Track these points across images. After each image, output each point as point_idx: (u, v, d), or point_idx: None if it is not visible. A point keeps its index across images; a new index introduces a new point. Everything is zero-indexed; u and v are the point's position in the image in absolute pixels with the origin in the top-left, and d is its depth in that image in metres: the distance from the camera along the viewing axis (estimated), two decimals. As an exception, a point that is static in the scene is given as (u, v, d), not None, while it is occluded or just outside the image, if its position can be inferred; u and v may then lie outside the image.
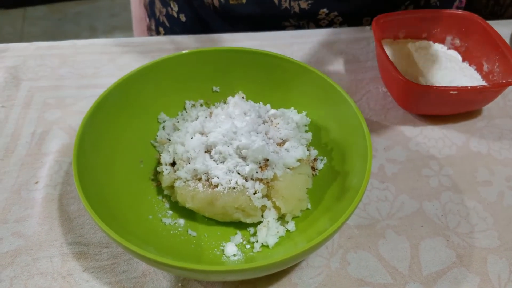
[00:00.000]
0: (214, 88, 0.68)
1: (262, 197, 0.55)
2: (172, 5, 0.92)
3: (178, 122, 0.65)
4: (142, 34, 1.07)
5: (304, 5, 0.82)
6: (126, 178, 0.58)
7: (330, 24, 0.88)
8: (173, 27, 0.95)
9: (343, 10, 0.84)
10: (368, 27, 0.86)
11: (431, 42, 0.78)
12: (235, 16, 0.87)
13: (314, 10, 0.82)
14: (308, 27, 0.88)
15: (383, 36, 0.77)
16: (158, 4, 0.96)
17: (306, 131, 0.64)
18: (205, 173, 0.55)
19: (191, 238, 0.55)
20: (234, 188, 0.54)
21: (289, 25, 0.87)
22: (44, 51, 0.81)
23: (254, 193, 0.54)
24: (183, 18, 0.91)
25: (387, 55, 0.68)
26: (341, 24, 0.88)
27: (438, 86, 0.66)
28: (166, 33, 0.98)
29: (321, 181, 0.60)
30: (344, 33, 0.85)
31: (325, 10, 0.80)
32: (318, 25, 0.87)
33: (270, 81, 0.66)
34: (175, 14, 0.92)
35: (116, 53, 0.81)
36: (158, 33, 1.00)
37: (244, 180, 0.54)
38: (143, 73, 0.62)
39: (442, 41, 0.78)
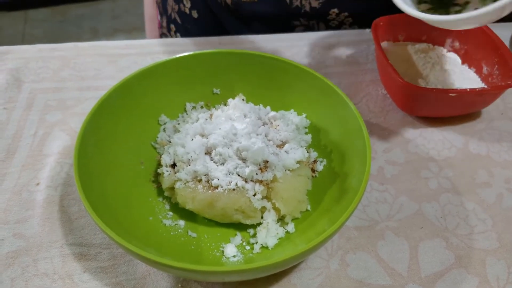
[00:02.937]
0: (215, 90, 0.68)
1: (262, 199, 0.55)
2: (184, 2, 0.93)
3: (178, 124, 0.65)
4: (153, 32, 1.08)
5: (315, 4, 0.82)
6: (126, 179, 0.59)
7: (339, 25, 0.88)
8: (185, 24, 0.96)
9: (354, 10, 0.85)
10: (368, 30, 0.87)
11: (430, 45, 0.78)
12: (247, 14, 0.87)
13: (325, 10, 0.82)
14: (318, 28, 0.89)
15: (383, 38, 0.77)
16: (170, 1, 0.97)
17: (305, 133, 0.64)
18: (205, 175, 0.55)
19: (191, 239, 0.56)
20: (234, 189, 0.54)
21: (299, 25, 0.87)
22: (46, 53, 0.81)
23: (254, 195, 0.55)
24: (195, 14, 0.92)
25: (386, 58, 0.68)
26: (350, 25, 0.88)
27: (438, 89, 0.66)
28: (178, 30, 0.99)
29: (320, 183, 0.60)
30: (344, 36, 0.86)
31: (335, 10, 0.80)
32: (328, 26, 0.88)
33: (270, 83, 0.66)
34: (187, 11, 0.93)
35: (117, 55, 0.81)
36: (169, 31, 1.01)
37: (244, 182, 0.55)
38: (144, 75, 0.62)
39: (441, 43, 0.78)
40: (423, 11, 0.57)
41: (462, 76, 0.72)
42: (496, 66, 0.70)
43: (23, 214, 0.59)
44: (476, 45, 0.74)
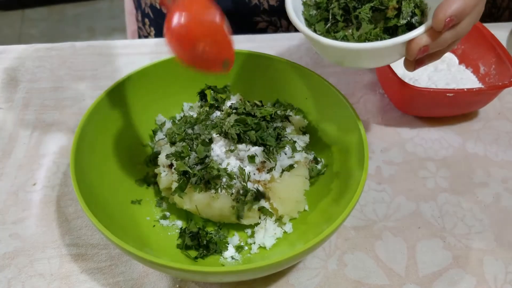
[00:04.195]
0: (212, 90, 0.68)
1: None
2: None
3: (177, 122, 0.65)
4: (133, 26, 1.08)
5: (272, 2, 0.83)
6: (123, 179, 0.59)
7: None
8: (157, 19, 0.97)
9: None
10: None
11: (428, 45, 0.78)
12: None
13: (283, 7, 0.83)
14: (280, 23, 0.89)
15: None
16: None
17: (303, 133, 0.64)
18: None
19: (188, 240, 0.55)
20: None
21: (261, 21, 0.88)
22: (43, 53, 0.81)
23: (252, 195, 0.54)
24: (164, 9, 0.92)
25: (384, 57, 0.68)
26: None
27: (435, 88, 0.66)
28: (151, 24, 0.99)
29: (318, 183, 0.60)
30: (342, 36, 0.86)
31: None
32: (290, 22, 0.89)
33: (267, 83, 0.66)
34: (157, 6, 0.93)
35: (114, 55, 0.81)
36: (144, 25, 1.02)
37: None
38: (141, 75, 0.62)
39: (439, 43, 0.78)
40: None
41: (459, 76, 0.72)
42: (493, 66, 0.70)
43: (20, 214, 0.59)
44: (473, 45, 0.74)
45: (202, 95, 0.63)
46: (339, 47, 0.47)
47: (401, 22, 0.50)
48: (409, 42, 0.46)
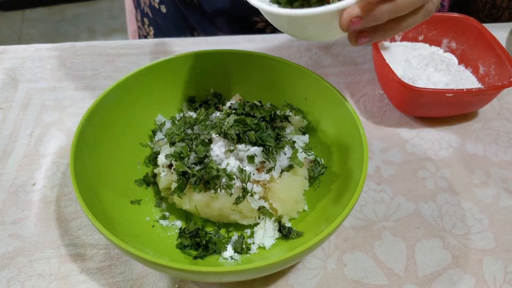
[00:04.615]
0: (212, 90, 0.68)
1: (259, 199, 0.55)
2: None
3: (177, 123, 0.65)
4: (133, 25, 1.09)
5: None
6: (123, 179, 0.58)
7: None
8: (156, 18, 0.97)
9: None
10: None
11: (427, 45, 0.78)
12: (210, 10, 0.88)
13: None
14: None
15: (380, 38, 0.77)
16: None
17: (303, 134, 0.64)
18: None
19: (188, 240, 0.55)
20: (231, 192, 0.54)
21: (260, 21, 0.88)
22: (43, 53, 0.81)
23: (251, 195, 0.54)
24: (163, 9, 0.93)
25: (383, 58, 0.68)
26: None
27: (434, 89, 0.66)
28: (150, 24, 1.00)
29: (317, 183, 0.60)
30: (341, 36, 0.86)
31: None
32: None
33: (267, 83, 0.66)
34: (156, 5, 0.94)
35: (114, 55, 0.81)
36: (143, 24, 1.02)
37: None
38: (141, 75, 0.62)
39: (438, 44, 0.78)
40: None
41: (458, 76, 0.72)
42: (493, 66, 0.70)
43: (19, 214, 0.59)
44: (473, 46, 0.74)
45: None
46: (274, 13, 0.46)
47: None
48: (342, 12, 0.43)
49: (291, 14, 0.45)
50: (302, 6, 0.51)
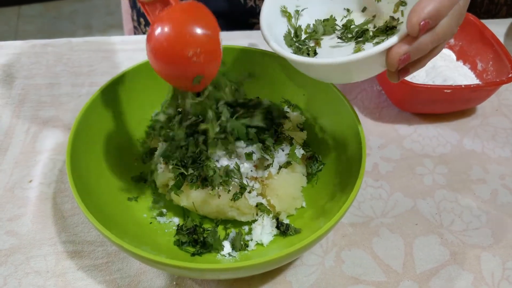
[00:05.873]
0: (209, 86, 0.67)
1: (257, 196, 0.55)
2: None
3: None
4: (129, 24, 1.08)
5: None
6: (120, 176, 0.58)
7: None
8: None
9: None
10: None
11: (425, 41, 0.78)
12: None
13: None
14: None
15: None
16: None
17: (301, 130, 0.64)
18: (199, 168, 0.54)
19: (185, 237, 0.55)
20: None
21: (257, 22, 0.88)
22: (39, 49, 0.80)
23: (249, 192, 0.54)
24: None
25: (382, 54, 0.68)
26: None
27: (432, 85, 0.66)
28: (147, 24, 0.99)
29: (315, 180, 0.60)
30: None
31: None
32: None
33: (265, 79, 0.66)
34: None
35: (111, 51, 0.81)
36: (139, 24, 1.01)
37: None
38: (138, 71, 0.61)
39: (436, 40, 0.78)
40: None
41: (457, 72, 0.72)
42: (491, 63, 0.70)
43: (16, 211, 0.58)
44: (471, 42, 0.74)
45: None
46: (311, 63, 0.46)
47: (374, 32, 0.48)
48: (388, 52, 0.43)
49: (336, 62, 0.44)
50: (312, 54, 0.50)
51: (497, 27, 0.79)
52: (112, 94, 0.59)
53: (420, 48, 0.43)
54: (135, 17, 1.02)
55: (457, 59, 0.76)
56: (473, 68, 0.73)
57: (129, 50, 0.81)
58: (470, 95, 0.67)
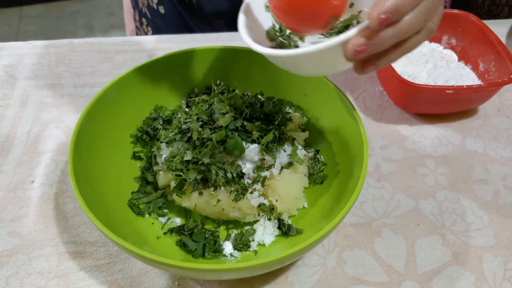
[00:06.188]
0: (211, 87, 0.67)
1: (259, 196, 0.55)
2: None
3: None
4: (131, 25, 1.08)
5: None
6: (122, 177, 0.58)
7: None
8: (154, 19, 0.97)
9: None
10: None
11: (427, 42, 0.78)
12: (208, 11, 0.88)
13: None
14: None
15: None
16: None
17: (302, 130, 0.64)
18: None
19: (187, 237, 0.55)
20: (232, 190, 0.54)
21: None
22: (41, 50, 0.80)
23: (251, 192, 0.54)
24: (162, 10, 0.92)
25: (383, 54, 0.68)
26: None
27: (434, 86, 0.66)
28: (148, 24, 0.99)
29: (317, 180, 0.60)
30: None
31: None
32: None
33: (266, 80, 0.66)
34: (154, 6, 0.93)
35: (113, 52, 0.81)
36: (141, 24, 1.02)
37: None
38: (140, 72, 0.62)
39: (438, 40, 0.78)
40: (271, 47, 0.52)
41: (458, 73, 0.72)
42: (493, 63, 0.70)
43: (18, 212, 0.58)
44: (473, 42, 0.74)
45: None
46: (276, 56, 0.46)
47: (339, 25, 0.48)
48: (345, 44, 0.42)
49: (291, 54, 0.44)
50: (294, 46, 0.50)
51: (498, 27, 0.79)
52: (114, 95, 0.59)
53: (379, 42, 0.42)
54: (137, 18, 1.03)
55: (459, 60, 0.76)
56: (475, 68, 0.73)
57: (131, 51, 0.81)
58: (472, 95, 0.67)
